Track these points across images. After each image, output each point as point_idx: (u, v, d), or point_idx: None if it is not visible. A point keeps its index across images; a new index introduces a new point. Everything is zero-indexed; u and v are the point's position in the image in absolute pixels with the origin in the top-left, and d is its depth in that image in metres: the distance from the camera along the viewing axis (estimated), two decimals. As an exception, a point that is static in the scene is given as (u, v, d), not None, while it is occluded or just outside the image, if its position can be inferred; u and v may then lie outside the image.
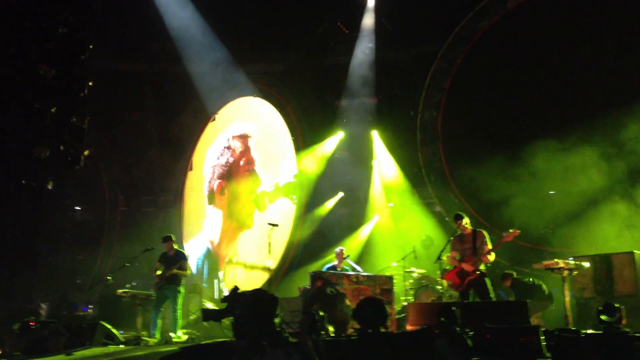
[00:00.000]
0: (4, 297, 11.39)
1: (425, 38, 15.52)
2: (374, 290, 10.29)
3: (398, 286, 11.80)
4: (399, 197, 15.07)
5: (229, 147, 17.58)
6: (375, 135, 15.77)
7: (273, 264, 14.28)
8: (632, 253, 9.30)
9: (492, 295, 9.22)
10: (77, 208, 17.40)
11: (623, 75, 11.90)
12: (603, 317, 7.18)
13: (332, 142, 16.04)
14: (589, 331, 7.50)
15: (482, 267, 9.28)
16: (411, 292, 11.85)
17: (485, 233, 9.49)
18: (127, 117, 17.76)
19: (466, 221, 9.61)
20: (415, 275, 12.03)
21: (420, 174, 14.90)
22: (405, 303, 11.01)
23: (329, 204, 15.81)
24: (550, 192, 12.46)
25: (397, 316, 10.53)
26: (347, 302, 9.34)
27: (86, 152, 12.28)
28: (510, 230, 9.17)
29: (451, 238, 9.80)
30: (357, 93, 15.79)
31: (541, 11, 13.34)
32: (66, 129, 12.14)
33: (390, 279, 10.81)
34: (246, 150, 17.22)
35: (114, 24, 14.92)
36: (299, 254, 15.63)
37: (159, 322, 11.12)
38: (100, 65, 14.39)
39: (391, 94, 15.98)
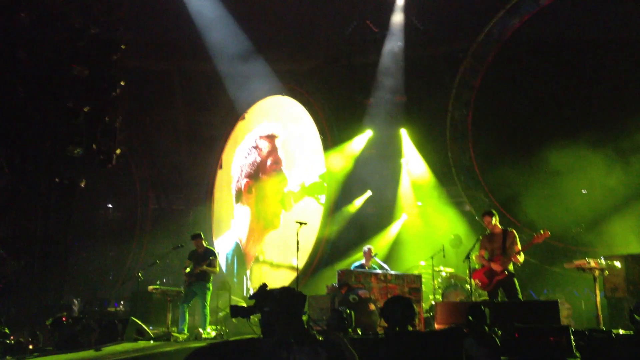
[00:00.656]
0: (36, 293, 11.65)
1: (454, 36, 15.40)
2: (402, 289, 10.28)
3: (426, 285, 11.74)
4: (427, 195, 14.97)
5: (256, 147, 17.70)
6: (404, 134, 15.69)
7: (301, 262, 14.30)
8: (666, 252, 9.14)
9: (520, 295, 9.13)
10: (109, 205, 17.70)
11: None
12: (636, 317, 7.06)
13: (361, 140, 15.99)
14: (620, 331, 7.39)
15: (510, 267, 9.19)
16: (439, 291, 11.79)
17: (515, 233, 9.40)
18: (158, 115, 17.99)
19: (496, 219, 9.52)
20: (443, 274, 11.96)
21: (450, 173, 14.79)
22: (433, 302, 10.95)
23: (358, 203, 15.79)
24: (582, 191, 12.28)
25: (425, 315, 10.49)
26: (372, 306, 9.33)
27: (118, 151, 12.50)
28: (542, 232, 9.06)
29: (480, 237, 9.73)
30: (386, 91, 15.71)
31: (573, 10, 13.13)
32: (99, 128, 12.38)
33: (418, 277, 10.78)
34: (273, 150, 17.31)
35: (144, 22, 15.12)
36: (327, 252, 15.64)
37: (188, 318, 11.25)
38: (131, 64, 14.57)
39: (420, 92, 15.86)
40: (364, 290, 9.75)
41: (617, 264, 8.93)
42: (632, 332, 7.04)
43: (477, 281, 9.57)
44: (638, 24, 12.11)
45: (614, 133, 11.65)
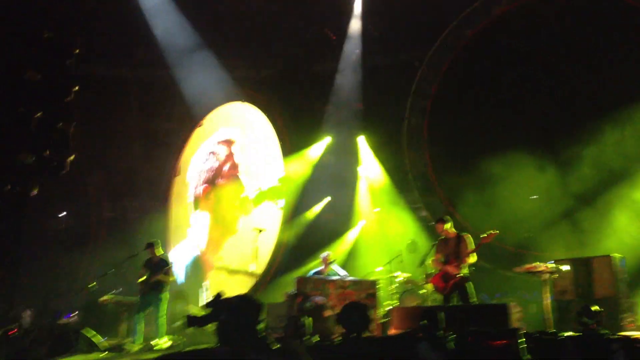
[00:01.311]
0: (-15, 305, 11.34)
1: (411, 44, 15.62)
2: (359, 295, 10.31)
3: (383, 290, 11.81)
4: (385, 201, 15.11)
5: (213, 153, 17.61)
6: (362, 141, 15.83)
7: (259, 268, 14.25)
8: (611, 256, 9.40)
9: (474, 299, 9.30)
10: (62, 214, 17.33)
11: (605, 84, 12.02)
12: (583, 320, 7.27)
13: (319, 147, 16.08)
14: (568, 333, 7.58)
15: (465, 270, 9.36)
16: (396, 296, 11.89)
17: (469, 237, 9.57)
18: (112, 121, 17.72)
19: (449, 225, 9.69)
20: (400, 279, 12.07)
21: (407, 179, 14.97)
22: (389, 307, 11.04)
23: (316, 209, 15.84)
24: (532, 197, 12.57)
25: (382, 320, 10.56)
26: (327, 312, 9.37)
27: (71, 158, 12.24)
28: (491, 231, 9.25)
29: (435, 242, 9.88)
30: (344, 98, 15.84)
31: (526, 19, 13.46)
32: (52, 134, 12.10)
33: (375, 283, 10.84)
34: (230, 155, 17.25)
35: (99, 28, 14.92)
36: (286, 259, 15.62)
37: (141, 328, 11.07)
38: (86, 70, 14.34)
39: (378, 99, 16.00)
40: (320, 297, 9.77)
41: (566, 267, 9.16)
42: (580, 333, 7.23)
43: (434, 285, 9.71)
44: (588, 33, 12.46)
45: (567, 141, 11.98)
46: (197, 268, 17.04)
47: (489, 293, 11.82)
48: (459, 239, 9.55)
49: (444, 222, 9.69)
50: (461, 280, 9.27)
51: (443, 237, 9.74)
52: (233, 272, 16.20)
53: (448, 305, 9.21)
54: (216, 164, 17.44)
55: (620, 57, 12.01)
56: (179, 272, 16.26)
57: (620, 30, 12.13)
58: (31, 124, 11.68)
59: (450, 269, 9.36)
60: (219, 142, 17.57)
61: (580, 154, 11.71)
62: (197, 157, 17.95)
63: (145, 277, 11.17)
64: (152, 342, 10.75)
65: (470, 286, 9.29)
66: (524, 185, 12.27)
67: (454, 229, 9.78)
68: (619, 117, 11.32)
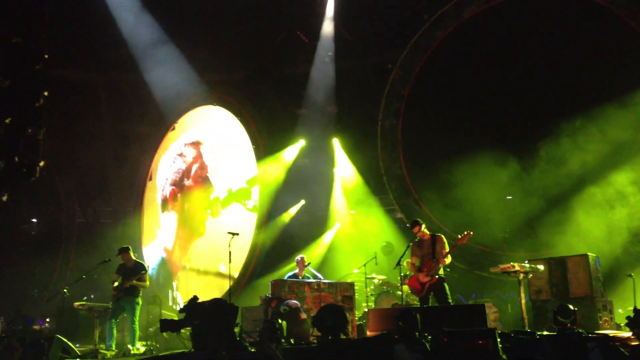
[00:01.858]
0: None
1: (384, 47, 15.67)
2: (335, 297, 10.32)
3: (359, 292, 11.83)
4: (360, 204, 15.14)
5: (181, 154, 17.50)
6: (336, 143, 15.83)
7: (234, 272, 14.15)
8: (586, 255, 9.49)
9: (450, 299, 9.34)
10: (33, 220, 17.08)
11: (576, 82, 12.19)
12: (559, 319, 7.33)
13: (293, 150, 16.02)
14: (544, 333, 7.64)
15: (441, 271, 9.40)
16: (372, 298, 11.90)
17: (443, 238, 9.62)
18: (83, 126, 17.51)
19: (424, 227, 9.72)
20: (376, 281, 12.09)
21: (381, 181, 15.00)
22: (366, 309, 11.04)
23: (292, 212, 15.79)
24: (508, 197, 12.69)
25: (358, 322, 10.55)
26: (303, 316, 9.34)
27: (42, 163, 12.03)
28: (465, 232, 9.32)
29: (410, 244, 9.90)
30: (318, 101, 15.81)
31: (496, 20, 13.61)
32: (21, 140, 11.89)
33: (351, 285, 10.85)
34: (198, 157, 17.15)
35: (68, 32, 14.73)
36: (261, 263, 15.54)
37: (116, 334, 10.89)
38: (55, 74, 14.16)
39: (351, 102, 16.04)
40: (294, 300, 9.73)
41: (541, 267, 9.22)
42: (556, 333, 7.30)
43: (410, 287, 9.73)
44: (556, 34, 12.64)
45: (540, 140, 12.11)
46: (165, 269, 16.89)
47: (464, 293, 11.89)
48: (433, 240, 9.59)
49: (418, 224, 9.73)
50: (438, 281, 9.30)
51: (418, 239, 9.78)
52: (202, 273, 16.08)
53: (425, 306, 9.23)
54: (184, 166, 17.33)
55: (590, 57, 12.18)
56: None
57: (588, 30, 12.31)
58: (0, 129, 11.50)
59: (422, 277, 9.40)
60: (186, 144, 17.47)
61: (552, 154, 11.85)
62: (165, 159, 17.80)
63: (119, 282, 11.00)
64: (127, 347, 10.60)
65: (446, 287, 9.33)
66: (498, 186, 12.36)
67: (427, 230, 9.81)
68: (592, 115, 11.44)
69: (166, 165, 17.71)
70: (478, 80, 13.47)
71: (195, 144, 17.24)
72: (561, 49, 12.52)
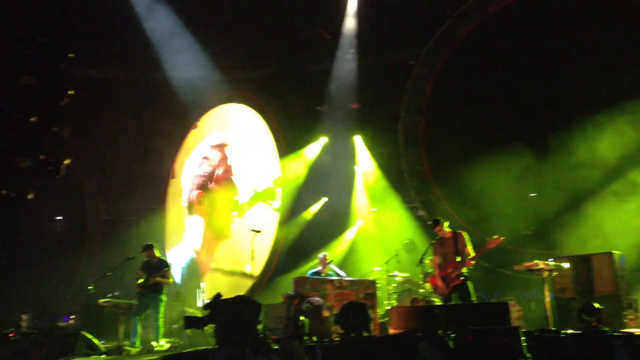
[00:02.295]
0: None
1: (406, 43, 15.60)
2: (357, 295, 10.32)
3: (381, 290, 11.81)
4: (382, 201, 15.09)
5: (206, 157, 17.58)
6: (358, 140, 15.80)
7: (255, 270, 14.21)
8: (611, 253, 9.38)
9: (473, 297, 9.28)
10: (58, 218, 17.28)
11: (603, 80, 12.02)
12: (584, 317, 7.26)
13: (315, 147, 16.05)
14: (569, 331, 7.56)
15: (464, 270, 9.34)
16: (394, 296, 11.87)
17: (465, 235, 9.56)
18: (107, 124, 17.70)
19: (445, 225, 9.67)
20: (398, 279, 12.05)
21: (403, 178, 14.94)
22: (388, 307, 11.02)
23: (313, 209, 15.81)
24: (531, 195, 12.56)
25: (381, 320, 10.54)
26: (326, 313, 9.35)
27: (67, 162, 12.20)
28: (494, 237, 9.18)
29: (432, 242, 9.85)
30: (340, 98, 15.79)
31: (521, 16, 13.44)
32: (47, 138, 12.06)
33: (373, 283, 10.85)
34: (224, 159, 17.21)
35: (93, 31, 14.89)
36: (283, 260, 15.60)
37: (140, 330, 11.02)
38: (80, 73, 14.31)
39: (373, 99, 15.98)
40: (317, 298, 9.74)
41: (565, 265, 9.14)
42: (581, 331, 7.23)
43: (433, 286, 9.69)
44: (582, 29, 12.46)
45: (564, 138, 11.97)
46: (194, 270, 16.99)
47: (488, 292, 11.80)
48: (455, 237, 9.55)
49: (439, 223, 9.68)
50: (462, 281, 9.25)
51: (439, 237, 9.73)
52: (228, 273, 16.16)
53: (448, 304, 9.19)
54: (209, 169, 17.41)
55: (617, 54, 11.99)
56: (176, 274, 16.21)
57: (617, 27, 12.11)
58: (26, 128, 11.67)
59: (446, 276, 9.34)
60: (212, 147, 17.54)
61: (579, 150, 11.69)
62: (191, 161, 17.91)
63: (143, 279, 11.12)
64: (151, 344, 10.70)
65: (470, 286, 9.28)
66: (521, 183, 12.24)
67: (449, 228, 9.75)
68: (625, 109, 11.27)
69: (192, 167, 17.82)
70: (501, 77, 13.33)
71: (220, 147, 17.32)
72: (585, 45, 12.34)
